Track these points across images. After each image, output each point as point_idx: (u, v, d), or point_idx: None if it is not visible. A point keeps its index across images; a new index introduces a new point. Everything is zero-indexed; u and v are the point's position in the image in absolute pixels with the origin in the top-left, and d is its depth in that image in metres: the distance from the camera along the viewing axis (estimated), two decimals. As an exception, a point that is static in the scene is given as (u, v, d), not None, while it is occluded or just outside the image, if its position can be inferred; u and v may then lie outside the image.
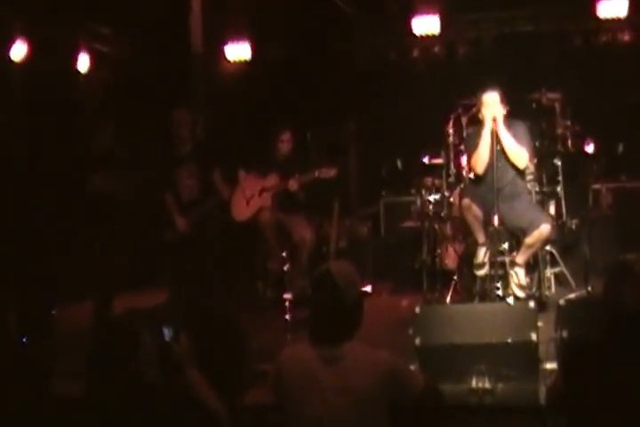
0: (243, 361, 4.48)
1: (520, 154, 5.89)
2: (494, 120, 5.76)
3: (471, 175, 6.46)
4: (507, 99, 5.89)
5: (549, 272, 6.52)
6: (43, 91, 7.72)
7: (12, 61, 7.43)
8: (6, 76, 7.54)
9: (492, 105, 5.85)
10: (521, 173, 6.02)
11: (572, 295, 6.17)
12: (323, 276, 3.10)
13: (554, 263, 6.63)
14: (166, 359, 3.03)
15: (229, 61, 8.78)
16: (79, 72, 8.21)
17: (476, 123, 6.39)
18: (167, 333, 3.18)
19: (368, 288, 7.05)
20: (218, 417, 2.95)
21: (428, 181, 7.24)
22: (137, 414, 2.77)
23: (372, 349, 3.09)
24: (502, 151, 5.82)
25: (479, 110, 6.00)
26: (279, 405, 3.13)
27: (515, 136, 5.86)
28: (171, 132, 6.81)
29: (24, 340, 4.28)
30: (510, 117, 5.91)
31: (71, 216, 7.86)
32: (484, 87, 5.97)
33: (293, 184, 6.98)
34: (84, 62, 8.23)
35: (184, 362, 3.20)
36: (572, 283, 6.57)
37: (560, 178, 6.92)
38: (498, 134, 5.77)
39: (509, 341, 4.58)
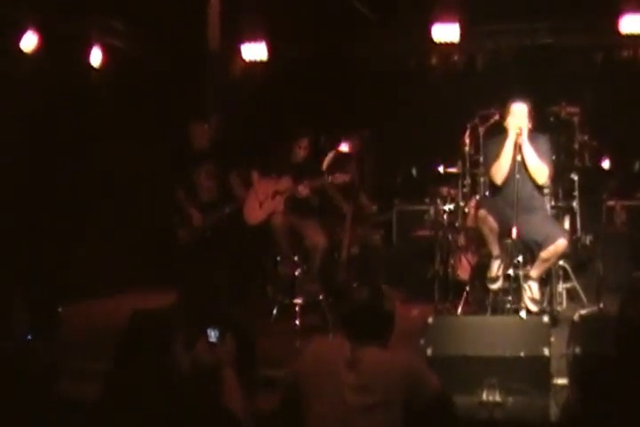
0: (253, 366, 4.46)
1: (541, 169, 5.87)
2: (519, 131, 5.73)
3: (487, 185, 6.45)
4: (534, 113, 5.86)
5: (561, 287, 6.49)
6: (54, 84, 7.72)
7: (23, 53, 7.42)
8: (17, 69, 7.53)
9: (518, 116, 5.83)
10: (539, 187, 5.99)
11: (583, 311, 6.13)
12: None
13: (566, 278, 6.59)
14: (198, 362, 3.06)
15: (245, 61, 8.75)
16: (91, 66, 8.19)
17: (494, 133, 6.36)
18: (213, 334, 3.26)
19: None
20: (239, 422, 2.95)
21: (443, 190, 7.23)
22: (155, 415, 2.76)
23: (391, 351, 3.23)
24: (523, 164, 5.79)
25: (504, 119, 5.96)
26: (295, 401, 3.22)
27: (537, 151, 5.82)
28: (187, 142, 6.86)
29: (29, 338, 4.27)
30: (534, 131, 5.89)
31: (78, 214, 7.89)
32: (513, 97, 5.94)
33: (303, 190, 6.95)
34: (96, 56, 8.21)
35: (225, 362, 3.28)
36: (584, 299, 6.52)
37: (576, 193, 6.88)
38: (520, 146, 5.74)
39: (522, 355, 4.57)
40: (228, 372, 3.27)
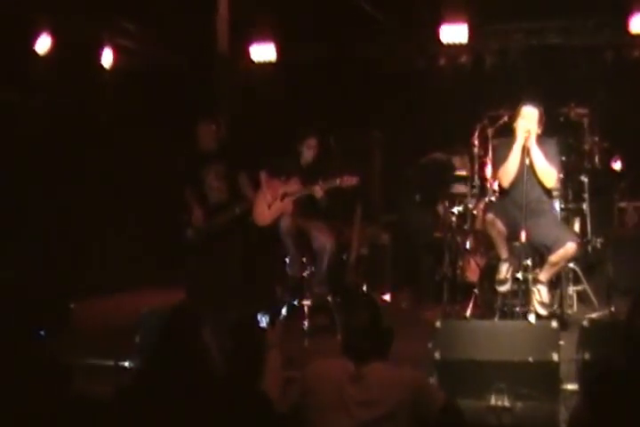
0: (261, 366, 4.46)
1: (549, 173, 5.80)
2: (527, 134, 5.68)
3: (495, 187, 6.41)
4: (544, 116, 5.80)
5: (572, 290, 6.44)
6: (66, 84, 7.75)
7: (37, 55, 7.44)
8: (32, 70, 7.55)
9: (528, 119, 5.74)
10: (547, 190, 5.92)
11: (594, 315, 6.10)
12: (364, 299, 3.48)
13: (576, 281, 6.53)
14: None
15: (254, 62, 8.74)
16: (103, 67, 8.21)
17: (503, 134, 6.32)
18: (263, 319, 3.41)
19: (387, 297, 7.01)
20: (269, 404, 2.96)
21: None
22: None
23: (396, 366, 3.24)
24: (531, 167, 5.72)
25: (514, 121, 5.87)
26: (300, 417, 3.23)
27: (546, 154, 5.75)
28: (195, 142, 6.86)
29: (42, 334, 4.27)
30: (543, 134, 5.83)
31: (90, 212, 7.92)
32: (524, 99, 5.86)
33: (319, 191, 6.92)
34: (107, 58, 8.22)
35: (272, 345, 3.48)
36: (595, 302, 6.46)
37: (586, 195, 6.83)
38: (529, 150, 5.68)
39: (530, 360, 4.55)
40: (273, 354, 3.43)
